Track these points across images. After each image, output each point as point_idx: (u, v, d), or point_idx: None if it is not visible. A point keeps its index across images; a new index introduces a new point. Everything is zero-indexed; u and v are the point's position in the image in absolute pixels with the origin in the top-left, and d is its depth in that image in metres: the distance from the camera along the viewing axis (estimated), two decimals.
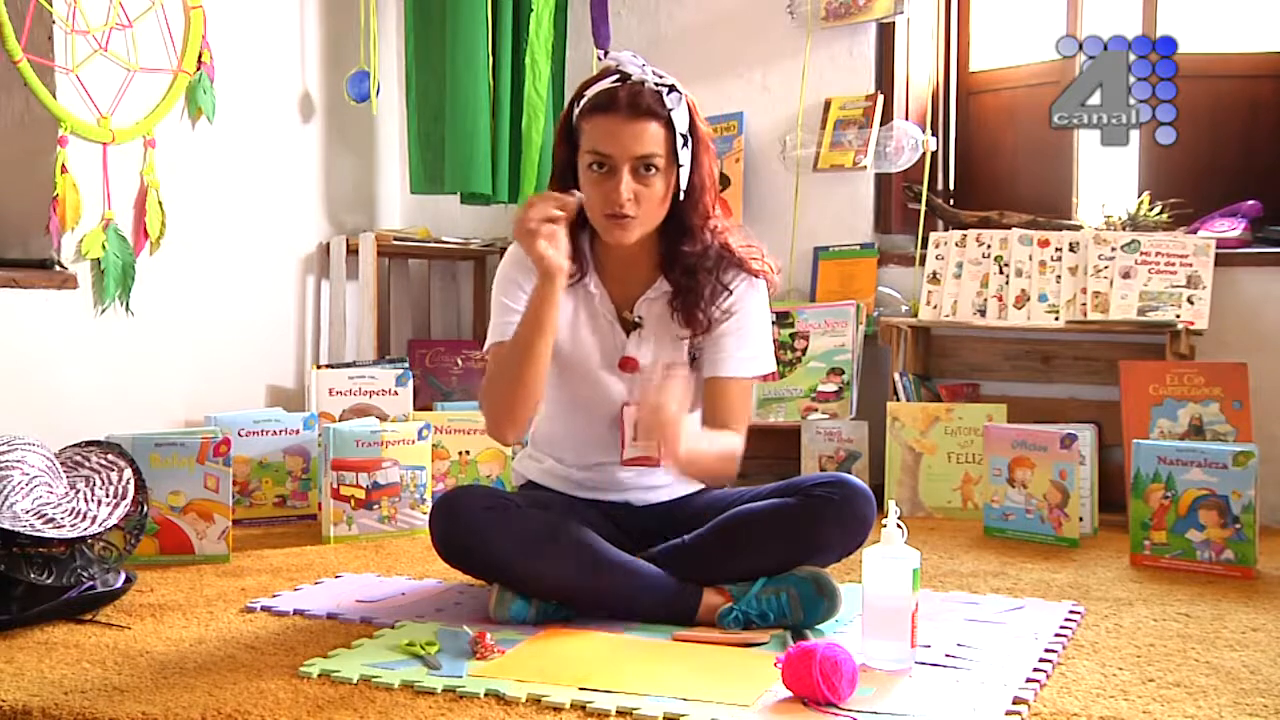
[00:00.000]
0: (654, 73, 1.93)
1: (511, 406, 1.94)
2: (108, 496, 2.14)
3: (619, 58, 1.94)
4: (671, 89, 1.92)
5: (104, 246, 2.87)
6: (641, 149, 1.88)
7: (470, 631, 1.79)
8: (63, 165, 2.77)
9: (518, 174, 3.54)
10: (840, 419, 3.21)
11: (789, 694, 1.55)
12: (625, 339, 2.02)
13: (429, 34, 3.50)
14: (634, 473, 2.06)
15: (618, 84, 1.90)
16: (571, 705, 1.53)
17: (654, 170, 1.90)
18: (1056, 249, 3.16)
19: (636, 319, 2.02)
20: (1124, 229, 3.18)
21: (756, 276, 2.04)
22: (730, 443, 1.97)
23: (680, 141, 1.92)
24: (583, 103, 1.93)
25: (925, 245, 3.36)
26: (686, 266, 1.98)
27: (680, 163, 1.93)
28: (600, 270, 2.03)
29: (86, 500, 2.11)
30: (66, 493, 2.11)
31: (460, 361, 3.66)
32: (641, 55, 1.96)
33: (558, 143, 2.01)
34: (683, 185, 1.95)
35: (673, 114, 1.90)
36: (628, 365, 2.02)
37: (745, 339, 2.02)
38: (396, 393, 3.17)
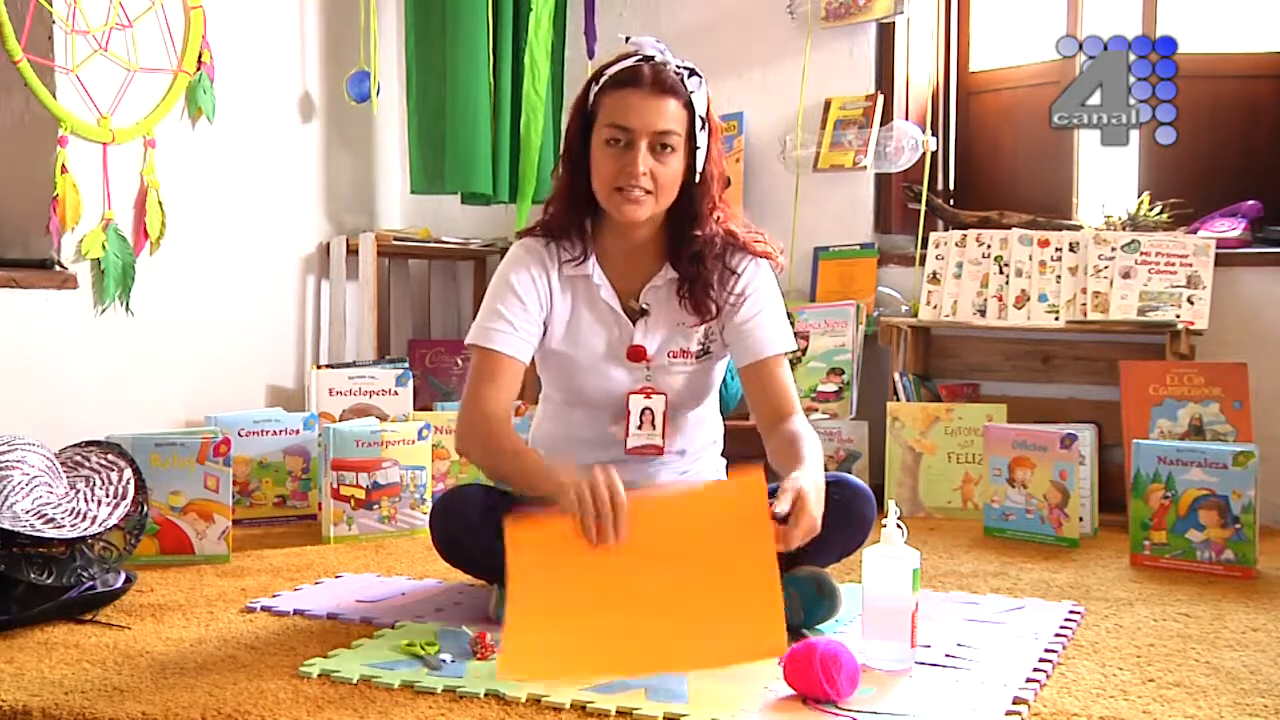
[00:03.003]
0: (675, 57, 1.95)
1: (482, 469, 2.01)
2: (108, 496, 2.14)
3: (639, 42, 1.97)
4: (692, 72, 1.94)
5: (104, 246, 2.87)
6: (662, 124, 1.90)
7: (470, 631, 1.79)
8: (63, 165, 2.77)
9: (517, 174, 3.54)
10: (840, 419, 3.21)
11: (790, 693, 1.56)
12: (632, 328, 2.02)
13: (429, 34, 3.50)
14: (634, 471, 2.06)
15: (641, 62, 1.93)
16: (571, 705, 1.53)
17: (671, 149, 1.91)
18: (1056, 249, 3.16)
19: (643, 307, 2.02)
20: (1124, 229, 3.18)
21: (761, 257, 2.05)
22: (816, 445, 1.89)
23: (699, 124, 1.93)
24: (603, 80, 1.95)
25: (925, 245, 3.37)
26: (694, 253, 1.99)
27: (698, 145, 1.94)
28: (602, 258, 2.03)
29: (86, 500, 2.11)
30: (66, 493, 2.11)
31: (460, 361, 3.66)
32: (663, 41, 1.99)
33: (572, 121, 2.01)
34: (698, 168, 1.96)
35: (693, 95, 1.93)
36: (636, 354, 2.02)
37: (771, 316, 2.02)
38: (396, 393, 3.17)
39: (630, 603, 1.62)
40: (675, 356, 2.02)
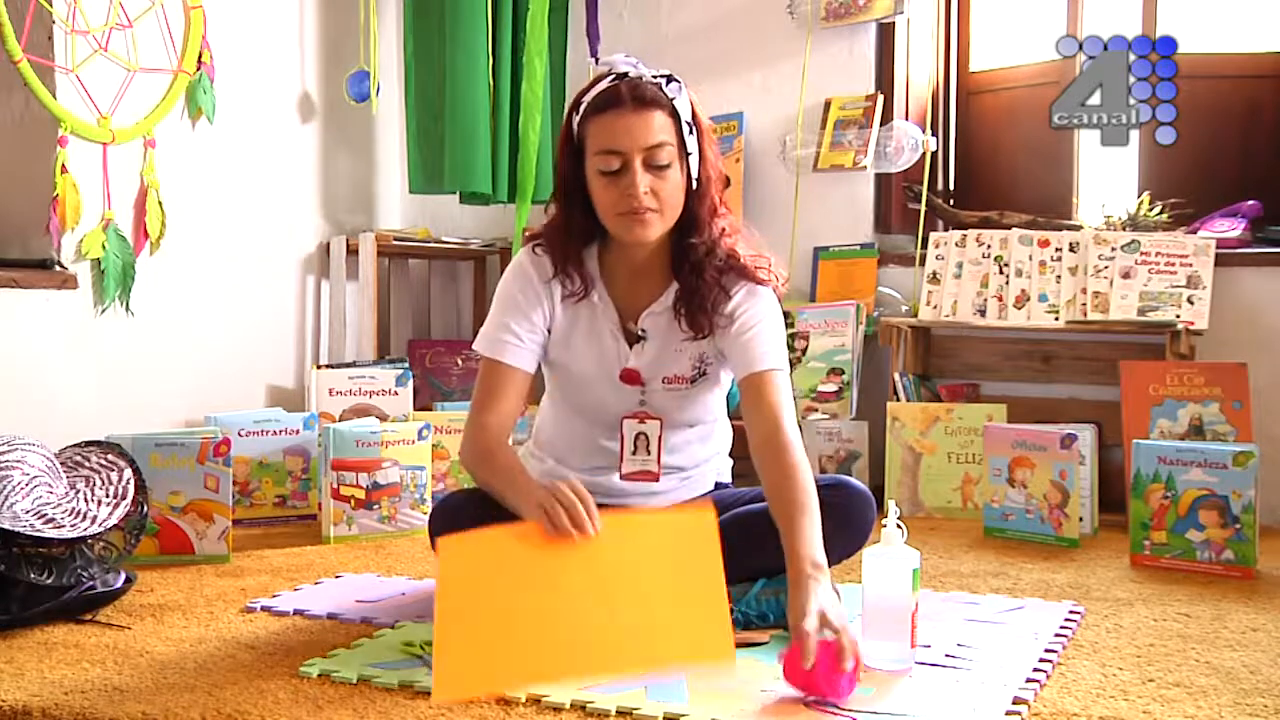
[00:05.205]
0: (648, 68, 1.93)
1: (479, 483, 1.99)
2: (108, 496, 2.14)
3: (611, 60, 1.94)
4: (670, 79, 1.92)
5: (104, 246, 2.87)
6: (652, 139, 1.87)
7: None
8: (63, 165, 2.77)
9: (517, 174, 3.54)
10: (840, 419, 3.21)
11: (789, 693, 1.55)
12: (629, 351, 2.02)
13: (428, 33, 3.50)
14: (629, 488, 2.06)
15: (616, 82, 1.90)
16: (571, 705, 1.53)
17: (666, 163, 1.89)
18: (1056, 249, 3.16)
19: (640, 331, 2.01)
20: (1124, 229, 3.18)
21: (760, 284, 2.00)
22: (807, 483, 1.79)
23: (687, 129, 1.92)
24: (583, 108, 1.92)
25: (925, 245, 3.37)
26: (694, 262, 1.96)
27: (689, 150, 1.92)
28: (607, 281, 2.01)
29: (86, 500, 2.11)
30: (66, 493, 2.11)
31: (460, 361, 3.67)
32: (635, 55, 1.97)
33: (560, 157, 1.98)
34: (693, 174, 1.94)
35: (675, 102, 1.91)
36: (629, 377, 2.01)
37: (765, 334, 1.97)
38: (396, 393, 3.17)
39: (570, 609, 1.59)
40: (670, 383, 2.01)
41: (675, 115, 1.90)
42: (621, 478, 2.02)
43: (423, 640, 1.77)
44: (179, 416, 3.07)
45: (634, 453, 2.01)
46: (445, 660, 1.54)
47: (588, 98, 1.92)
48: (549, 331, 2.02)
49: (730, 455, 2.23)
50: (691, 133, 1.92)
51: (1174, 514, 2.39)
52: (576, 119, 1.94)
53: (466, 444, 2.00)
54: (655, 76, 1.91)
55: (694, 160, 1.93)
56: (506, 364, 1.98)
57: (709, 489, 2.15)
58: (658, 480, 2.03)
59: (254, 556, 2.49)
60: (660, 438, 2.01)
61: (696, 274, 1.96)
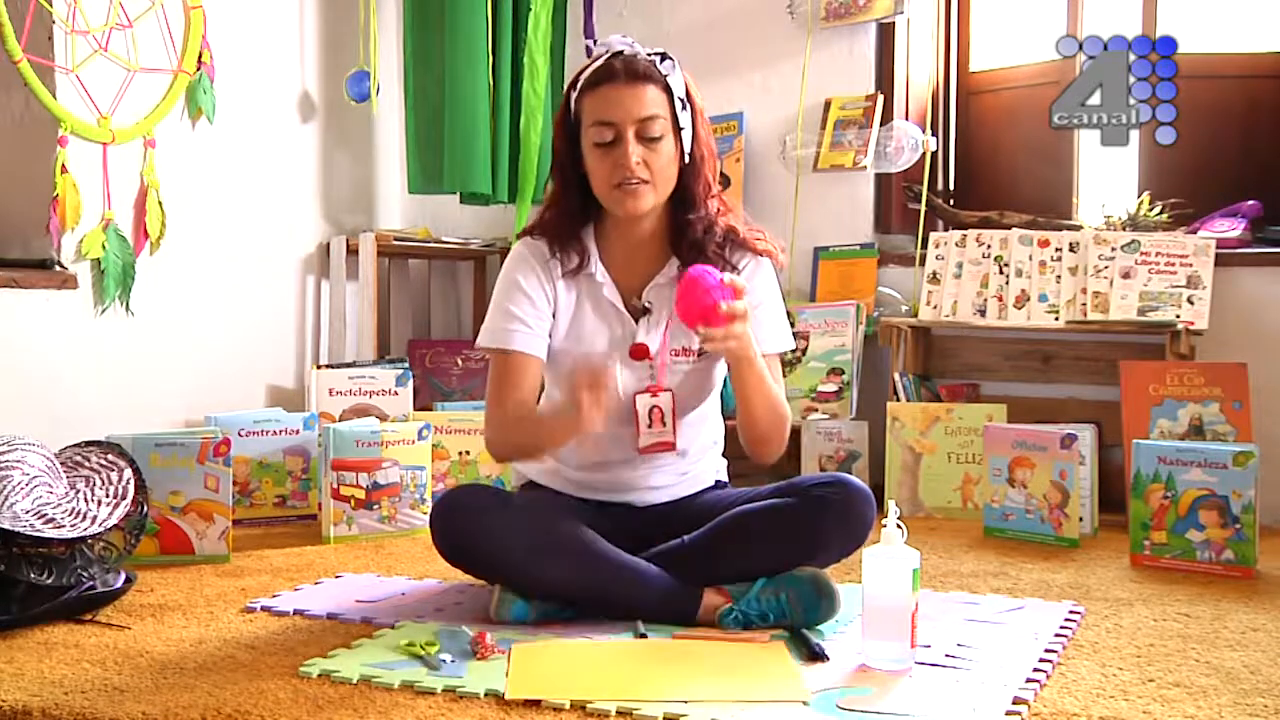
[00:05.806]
0: (644, 47, 1.97)
1: (522, 459, 2.07)
2: (108, 496, 2.14)
3: (607, 42, 2.00)
4: (664, 56, 1.96)
5: (104, 246, 2.87)
6: (644, 110, 1.92)
7: (470, 631, 1.79)
8: (63, 165, 2.77)
9: (517, 174, 3.54)
10: (840, 419, 3.21)
11: (788, 692, 1.56)
12: (635, 326, 2.03)
13: (427, 33, 3.50)
14: (645, 470, 2.05)
15: (611, 58, 1.95)
16: (571, 705, 1.53)
17: (658, 134, 1.93)
18: (1056, 249, 3.16)
19: (645, 305, 2.03)
20: (1124, 229, 3.18)
21: (762, 255, 2.06)
22: (783, 403, 2.00)
23: (679, 105, 1.95)
24: (580, 84, 1.97)
25: (925, 245, 3.36)
26: (693, 240, 2.00)
27: (682, 125, 1.96)
28: (606, 258, 2.04)
29: (86, 500, 2.11)
30: (66, 493, 2.11)
31: (460, 361, 3.66)
32: (630, 35, 2.01)
33: (557, 134, 2.03)
34: (685, 149, 1.97)
35: (669, 78, 1.95)
36: (638, 352, 2.02)
37: (768, 314, 2.03)
38: (396, 393, 3.17)
39: (644, 657, 1.75)
40: (678, 355, 2.03)
41: (668, 91, 1.95)
42: (639, 452, 2.02)
43: (424, 640, 1.77)
44: (179, 416, 3.07)
45: (649, 426, 2.01)
46: (522, 666, 1.66)
47: (584, 74, 1.98)
48: (554, 316, 2.02)
49: (724, 455, 2.23)
50: (684, 109, 1.97)
51: (1174, 514, 2.39)
52: (574, 96, 1.99)
53: (490, 429, 2.02)
54: (650, 54, 1.96)
55: (686, 136, 1.97)
56: (517, 351, 1.99)
57: (709, 485, 2.15)
58: (674, 450, 2.03)
59: (254, 556, 2.49)
60: (674, 410, 2.01)
61: (698, 251, 2.00)
